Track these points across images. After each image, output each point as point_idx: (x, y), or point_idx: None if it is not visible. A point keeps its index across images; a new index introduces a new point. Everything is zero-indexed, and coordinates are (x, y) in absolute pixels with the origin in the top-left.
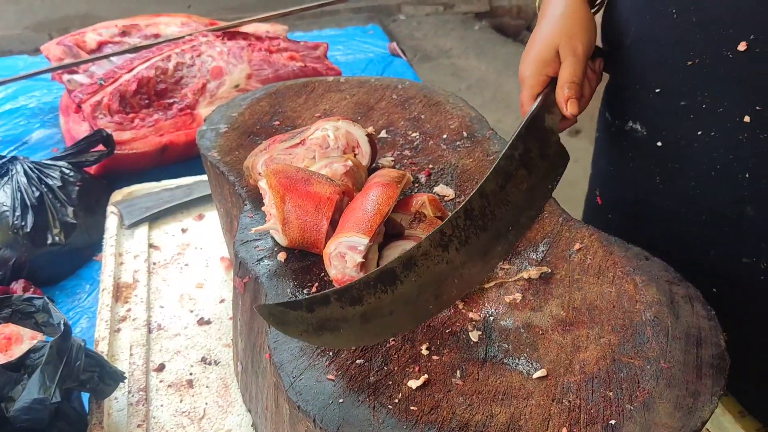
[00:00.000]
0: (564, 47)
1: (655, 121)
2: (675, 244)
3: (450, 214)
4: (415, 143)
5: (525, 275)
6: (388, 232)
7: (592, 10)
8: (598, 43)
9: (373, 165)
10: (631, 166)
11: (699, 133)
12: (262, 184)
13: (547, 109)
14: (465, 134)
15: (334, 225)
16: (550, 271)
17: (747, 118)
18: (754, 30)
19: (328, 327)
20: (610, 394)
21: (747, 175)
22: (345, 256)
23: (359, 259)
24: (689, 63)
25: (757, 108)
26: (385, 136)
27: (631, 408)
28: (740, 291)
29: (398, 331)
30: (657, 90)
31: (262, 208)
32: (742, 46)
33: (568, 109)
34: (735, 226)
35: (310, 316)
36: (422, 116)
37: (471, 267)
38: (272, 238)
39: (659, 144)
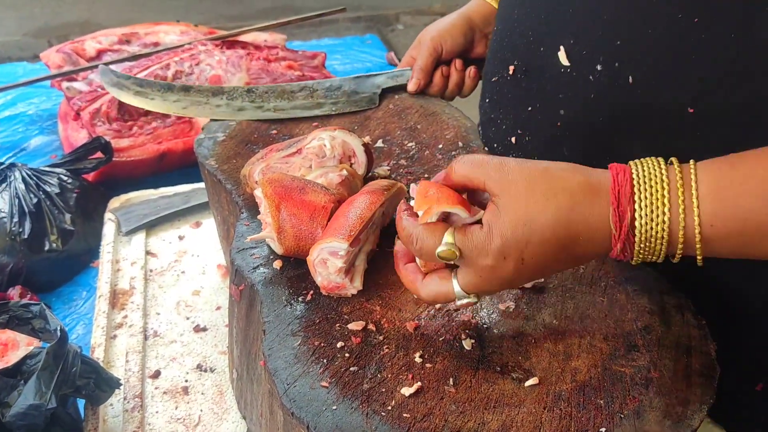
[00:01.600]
0: (421, 41)
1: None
2: None
3: None
4: (411, 153)
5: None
6: None
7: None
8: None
9: (369, 174)
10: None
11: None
12: (258, 193)
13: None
14: (461, 144)
15: None
16: (542, 280)
17: (513, 139)
18: (516, 55)
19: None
20: (601, 402)
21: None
22: (327, 262)
23: (340, 264)
24: (492, 79)
25: (519, 131)
26: (382, 145)
27: (622, 416)
28: (709, 304)
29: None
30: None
31: (258, 217)
32: (510, 70)
33: (410, 86)
34: None
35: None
36: (418, 126)
37: None
38: (268, 246)
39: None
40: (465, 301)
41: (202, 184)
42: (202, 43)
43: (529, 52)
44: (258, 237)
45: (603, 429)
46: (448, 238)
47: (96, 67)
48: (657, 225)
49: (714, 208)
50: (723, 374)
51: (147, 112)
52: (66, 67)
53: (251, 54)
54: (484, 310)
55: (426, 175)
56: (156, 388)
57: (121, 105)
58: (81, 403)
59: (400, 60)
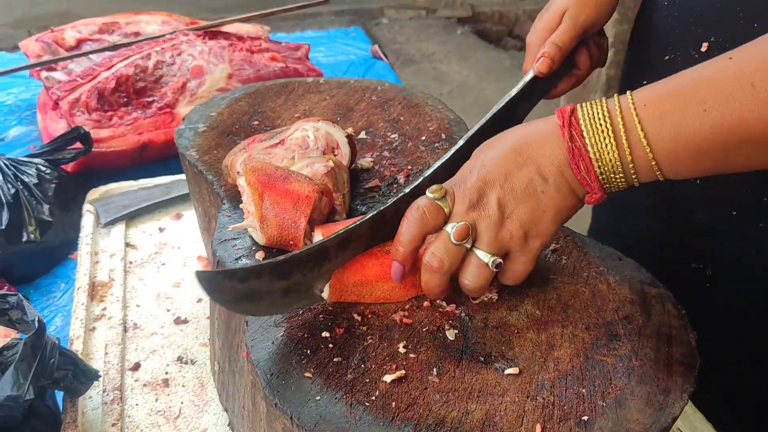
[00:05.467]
0: (568, 13)
1: None
2: (644, 240)
3: None
4: (395, 144)
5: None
6: None
7: None
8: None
9: (353, 166)
10: None
11: None
12: (241, 182)
13: (527, 95)
14: (443, 136)
15: (311, 223)
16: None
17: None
18: (716, 31)
19: (251, 297)
20: (583, 390)
21: (697, 181)
22: None
23: None
24: (666, 57)
25: None
26: (365, 137)
27: (604, 404)
28: (688, 296)
29: (306, 306)
30: (644, 82)
31: (240, 206)
32: (704, 47)
33: (537, 66)
34: (685, 230)
35: (241, 286)
36: (401, 118)
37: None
38: (250, 237)
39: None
40: (490, 259)
41: (182, 176)
42: (184, 33)
43: (737, 28)
44: (240, 226)
45: (585, 417)
46: (439, 199)
47: (76, 56)
48: (599, 112)
49: (646, 94)
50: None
51: (127, 102)
52: (45, 56)
53: (234, 45)
54: (468, 300)
55: (409, 167)
56: (136, 381)
57: (101, 95)
58: (59, 395)
59: (384, 53)
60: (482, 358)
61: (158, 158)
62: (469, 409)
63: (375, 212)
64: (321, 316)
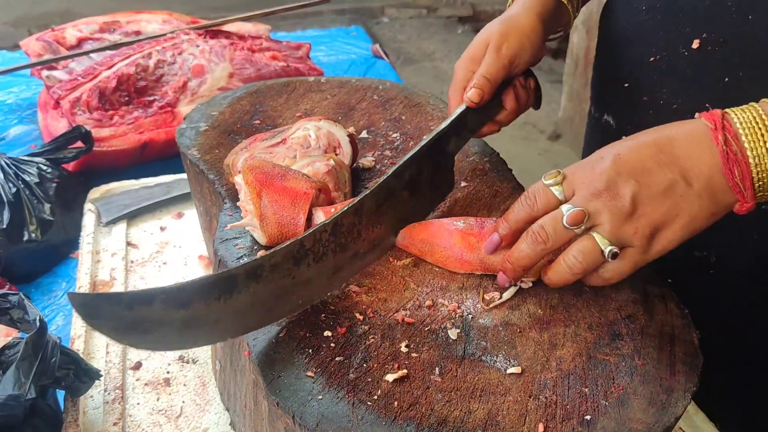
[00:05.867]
0: (492, 45)
1: (623, 115)
2: None
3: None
4: (396, 143)
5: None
6: None
7: (550, 37)
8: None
9: (354, 165)
10: None
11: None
12: (239, 180)
13: (457, 130)
14: None
15: (310, 219)
16: (531, 284)
17: (697, 115)
18: (706, 28)
19: (142, 328)
20: (586, 390)
21: None
22: None
23: None
24: (651, 59)
25: (707, 105)
26: (366, 136)
27: (606, 404)
28: (692, 285)
29: (215, 342)
30: (626, 85)
31: (238, 204)
32: (695, 44)
33: (468, 95)
34: None
35: (128, 313)
36: (403, 117)
37: (316, 284)
38: (251, 236)
39: (623, 137)
40: (608, 247)
41: (184, 175)
42: (185, 33)
43: (729, 22)
44: (239, 224)
45: (588, 417)
46: (554, 187)
47: (77, 55)
48: (754, 116)
49: None
50: (708, 364)
51: (128, 101)
52: (46, 55)
53: (235, 44)
54: (470, 300)
55: None
56: (137, 380)
57: (102, 94)
58: (61, 395)
59: (385, 52)
60: (484, 358)
61: (159, 157)
62: (472, 409)
63: (292, 242)
64: (323, 315)
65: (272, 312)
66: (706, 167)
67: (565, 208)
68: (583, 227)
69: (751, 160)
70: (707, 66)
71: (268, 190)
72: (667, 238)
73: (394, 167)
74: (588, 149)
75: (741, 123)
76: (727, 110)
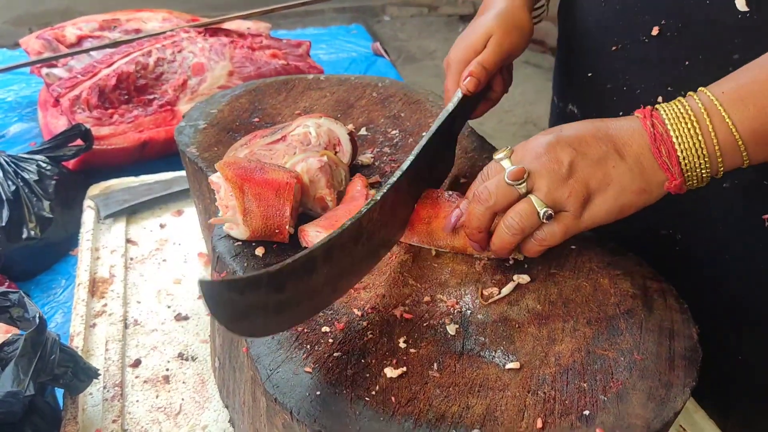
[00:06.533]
0: (494, 39)
1: (587, 103)
2: None
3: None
4: (395, 140)
5: (515, 279)
6: None
7: (534, 21)
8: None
9: (354, 162)
10: None
11: (620, 113)
12: (215, 178)
13: (461, 112)
14: None
15: (292, 211)
16: (529, 279)
17: (660, 98)
18: (665, 14)
19: (250, 314)
20: (585, 385)
21: None
22: None
23: None
24: (613, 48)
25: (669, 88)
26: (365, 133)
27: (605, 399)
28: (660, 264)
29: (296, 324)
30: (589, 74)
31: (217, 204)
32: (654, 31)
33: (465, 84)
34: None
35: (240, 299)
36: (402, 114)
37: (365, 263)
38: (228, 235)
39: None
40: (543, 208)
41: (183, 172)
42: (185, 30)
43: (687, 7)
44: (221, 220)
45: (587, 412)
46: (503, 160)
47: (77, 53)
48: (679, 106)
49: (719, 86)
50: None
51: (128, 100)
52: (46, 53)
53: (235, 42)
54: (468, 295)
55: None
56: (136, 377)
57: (102, 92)
58: (59, 392)
59: (385, 50)
60: (483, 353)
61: (159, 155)
62: (470, 404)
63: (352, 222)
64: (321, 311)
65: (336, 292)
66: (636, 145)
67: (506, 164)
68: (524, 185)
69: (674, 139)
70: (668, 51)
71: (250, 184)
72: (599, 206)
73: (419, 146)
74: None
75: (666, 111)
76: (656, 106)
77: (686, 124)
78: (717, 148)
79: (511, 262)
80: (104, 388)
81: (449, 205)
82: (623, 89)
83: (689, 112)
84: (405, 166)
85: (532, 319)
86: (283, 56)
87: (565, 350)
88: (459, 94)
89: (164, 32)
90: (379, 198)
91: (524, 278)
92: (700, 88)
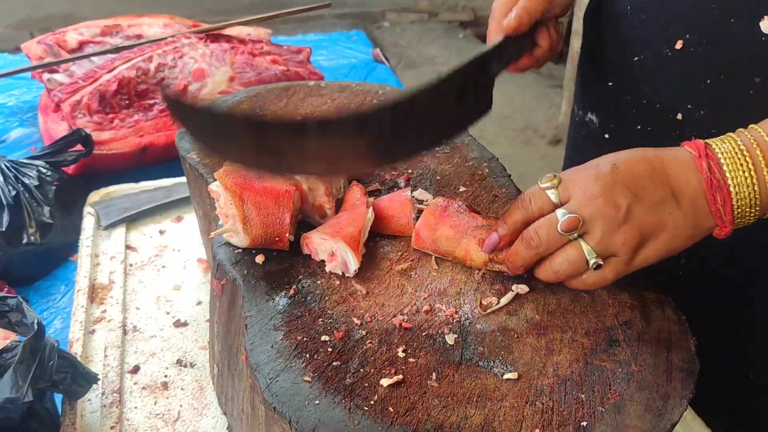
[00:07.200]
0: None
1: (606, 114)
2: None
3: None
4: None
5: (514, 289)
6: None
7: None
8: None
9: None
10: (586, 155)
11: (638, 127)
12: (214, 187)
13: (497, 55)
14: None
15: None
16: (528, 289)
17: (679, 116)
18: (690, 29)
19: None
20: (582, 396)
21: None
22: (334, 257)
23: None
24: (635, 59)
25: (689, 106)
26: None
27: (603, 410)
28: (663, 285)
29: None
30: (610, 84)
31: (216, 212)
32: (678, 44)
33: (507, 22)
34: None
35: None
36: None
37: (359, 155)
38: (228, 243)
39: (606, 136)
40: (594, 258)
41: (183, 179)
42: (186, 36)
43: (712, 24)
44: (221, 231)
45: (584, 423)
46: (550, 190)
47: (78, 58)
48: (734, 146)
49: None
50: (705, 369)
51: (128, 105)
52: (47, 58)
53: (235, 48)
54: (467, 305)
55: (410, 170)
56: (135, 384)
57: (103, 97)
58: (58, 398)
59: (386, 56)
60: (481, 363)
61: (159, 161)
62: (468, 414)
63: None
64: (320, 319)
65: (328, 168)
66: (692, 189)
67: (560, 213)
68: (576, 234)
69: (731, 188)
70: (690, 66)
71: (250, 193)
72: (650, 252)
73: (442, 75)
74: (571, 148)
75: (722, 153)
76: (707, 141)
77: (744, 171)
78: None
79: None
80: (103, 394)
81: (456, 216)
82: (643, 102)
83: (746, 155)
84: (427, 83)
85: (530, 330)
86: (284, 62)
87: (563, 361)
88: (497, 39)
89: (165, 38)
90: (390, 101)
91: (523, 288)
92: (750, 125)
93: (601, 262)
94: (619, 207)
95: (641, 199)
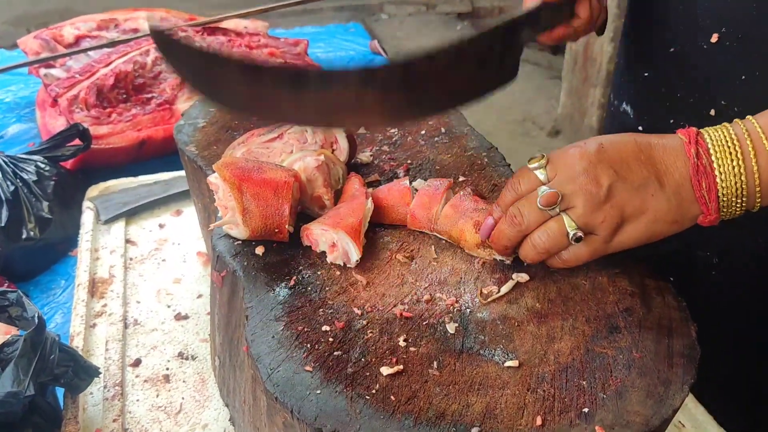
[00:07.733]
0: None
1: (641, 105)
2: None
3: None
4: (394, 139)
5: (515, 278)
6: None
7: None
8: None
9: (352, 161)
10: None
11: (671, 121)
12: (213, 179)
13: (531, 21)
14: (443, 130)
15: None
16: (528, 278)
17: (712, 112)
18: (726, 22)
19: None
20: (584, 383)
21: None
22: (335, 249)
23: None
24: (671, 50)
25: (722, 102)
26: (364, 132)
27: (604, 396)
28: (695, 284)
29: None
30: (645, 74)
31: (216, 204)
32: (714, 38)
33: None
34: None
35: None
36: None
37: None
38: (227, 235)
39: (640, 128)
40: (573, 230)
41: (182, 172)
42: (183, 30)
43: (748, 20)
44: (221, 223)
45: (586, 409)
46: (538, 170)
47: (74, 53)
48: (725, 136)
49: None
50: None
51: (126, 99)
52: (44, 53)
53: (232, 41)
54: (468, 294)
55: (409, 161)
56: (137, 377)
57: (100, 91)
58: (60, 392)
59: (383, 48)
60: (482, 351)
61: (157, 154)
62: (470, 402)
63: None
64: (321, 310)
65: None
66: (677, 174)
67: (540, 189)
68: (557, 209)
69: (717, 176)
70: (724, 61)
71: (248, 184)
72: (629, 233)
73: (465, 36)
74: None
75: (713, 140)
76: (702, 129)
77: (732, 159)
78: (758, 190)
79: (509, 261)
80: (104, 387)
81: (458, 198)
82: (677, 96)
83: (736, 144)
84: (449, 43)
85: (531, 318)
86: (281, 55)
87: (564, 348)
88: (537, 3)
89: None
90: (404, 58)
91: (523, 277)
92: (747, 117)
93: (581, 234)
94: (600, 185)
95: (624, 179)
